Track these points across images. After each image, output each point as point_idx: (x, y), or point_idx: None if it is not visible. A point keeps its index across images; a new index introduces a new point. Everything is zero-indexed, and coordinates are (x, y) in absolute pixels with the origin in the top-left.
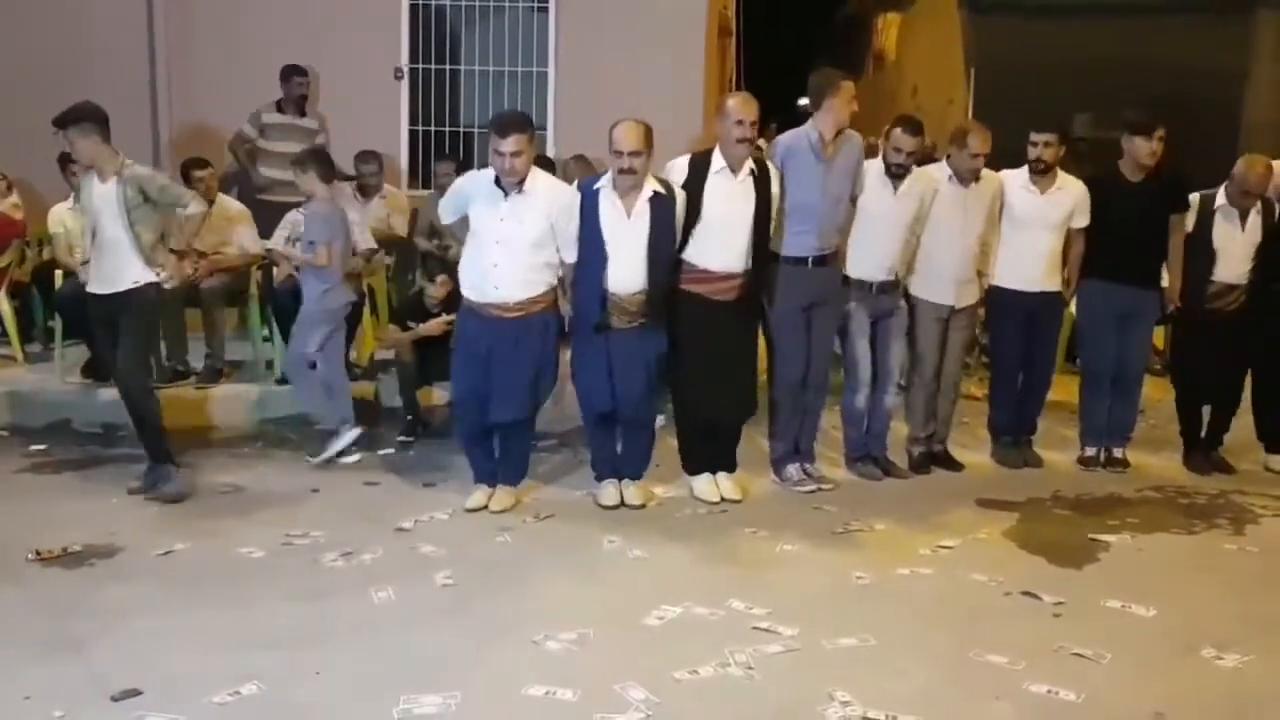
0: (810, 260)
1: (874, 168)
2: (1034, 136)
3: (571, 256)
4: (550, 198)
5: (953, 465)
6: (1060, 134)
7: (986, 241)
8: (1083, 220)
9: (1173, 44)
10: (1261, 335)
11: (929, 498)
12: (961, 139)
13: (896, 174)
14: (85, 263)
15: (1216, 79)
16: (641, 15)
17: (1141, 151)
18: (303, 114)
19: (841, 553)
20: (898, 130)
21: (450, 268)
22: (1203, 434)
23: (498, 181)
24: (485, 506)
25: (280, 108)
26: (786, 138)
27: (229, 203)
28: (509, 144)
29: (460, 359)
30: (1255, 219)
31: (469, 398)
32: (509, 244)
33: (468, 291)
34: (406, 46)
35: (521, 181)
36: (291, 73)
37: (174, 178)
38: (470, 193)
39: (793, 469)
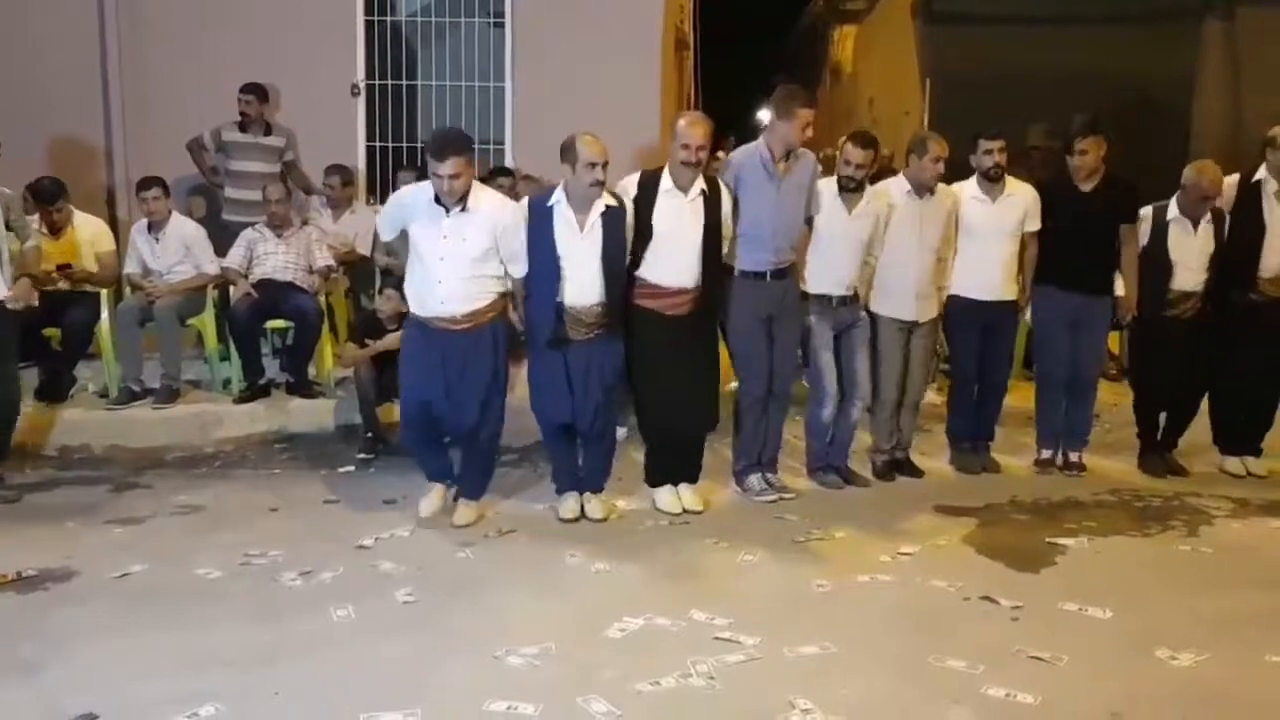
0: (769, 274)
1: (829, 187)
2: (984, 144)
3: (520, 271)
4: (494, 214)
5: (914, 472)
6: (1006, 140)
7: (944, 256)
8: (1035, 224)
9: (1123, 53)
10: (1217, 341)
11: (889, 505)
12: (921, 147)
13: (848, 187)
14: (52, 272)
15: (1166, 87)
16: (597, 30)
17: (1071, 166)
18: (267, 132)
19: (802, 561)
20: (848, 144)
21: (402, 283)
22: (1158, 437)
23: (438, 198)
24: (440, 509)
25: (243, 126)
26: (739, 155)
27: (184, 223)
28: (447, 167)
29: (409, 370)
30: (1207, 227)
31: (418, 411)
32: (453, 260)
33: (414, 307)
34: (363, 62)
35: (463, 199)
36: (241, 91)
37: (129, 200)
38: (410, 209)
39: (754, 479)
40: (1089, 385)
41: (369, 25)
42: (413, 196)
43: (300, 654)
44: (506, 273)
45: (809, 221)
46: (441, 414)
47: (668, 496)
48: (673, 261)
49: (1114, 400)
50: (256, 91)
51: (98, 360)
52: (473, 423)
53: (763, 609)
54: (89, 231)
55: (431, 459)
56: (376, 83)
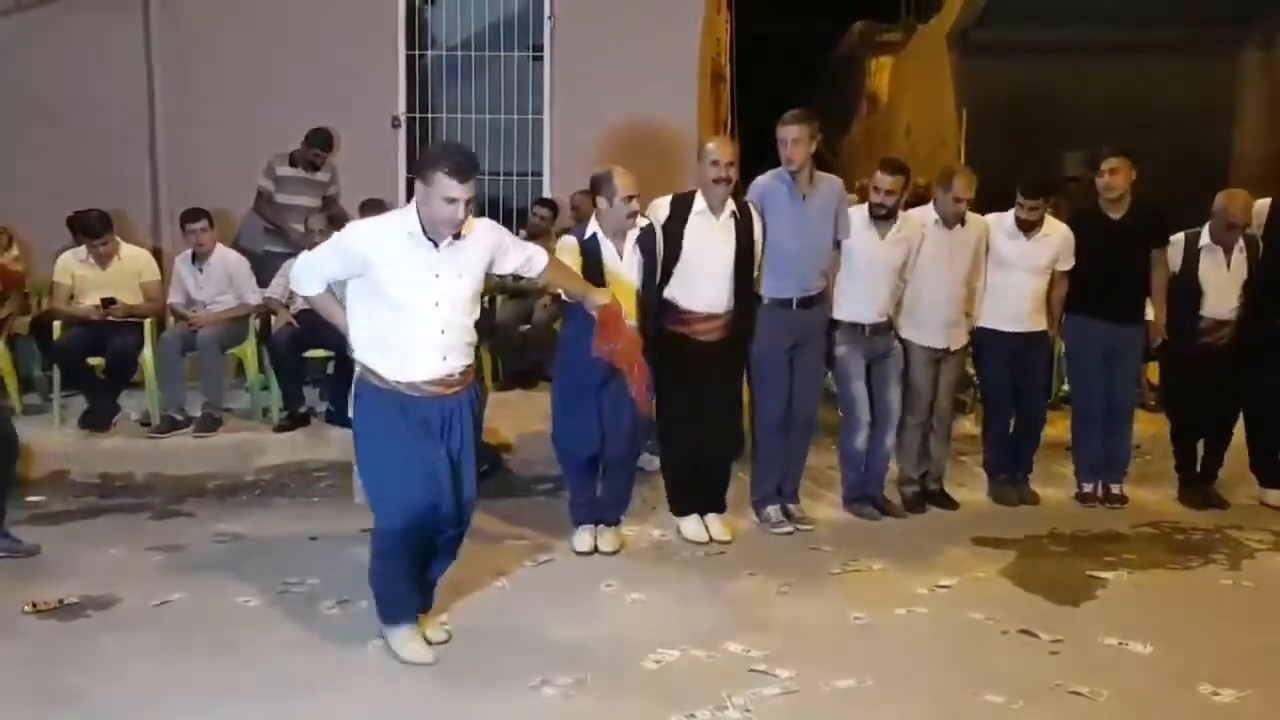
0: (795, 302)
1: (859, 213)
2: (1021, 200)
3: (539, 267)
4: (485, 232)
5: (949, 504)
6: (1046, 194)
7: (973, 284)
8: (1067, 263)
9: (1162, 82)
10: (1253, 370)
11: (926, 537)
12: (947, 182)
13: (878, 214)
14: (97, 306)
15: (1206, 115)
16: (634, 62)
17: (1100, 187)
18: (317, 167)
19: (839, 593)
20: (878, 171)
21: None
22: (1197, 468)
23: (424, 232)
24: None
25: (293, 161)
26: (763, 179)
27: (226, 253)
28: (468, 189)
29: (396, 473)
30: (1239, 255)
31: (420, 524)
32: (450, 303)
33: (393, 373)
34: (404, 96)
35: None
36: (314, 141)
37: (173, 230)
38: (377, 250)
39: (772, 510)
40: (1126, 415)
41: (410, 60)
42: (379, 234)
43: (337, 683)
44: (529, 273)
45: (836, 244)
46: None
47: (694, 526)
48: (704, 285)
49: (1154, 431)
50: (325, 145)
51: (140, 389)
52: (466, 503)
53: (798, 641)
54: (135, 262)
55: (412, 587)
56: (417, 115)
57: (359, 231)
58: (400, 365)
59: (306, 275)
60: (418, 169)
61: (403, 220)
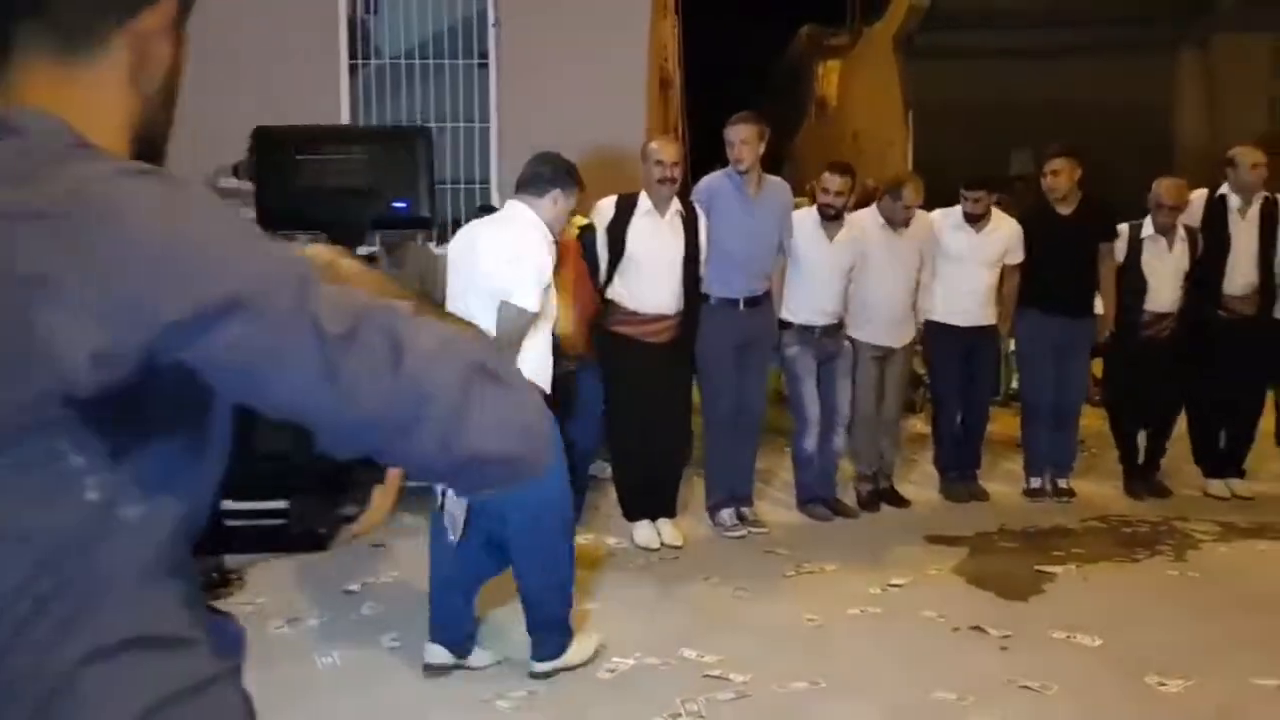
0: (742, 301)
1: (808, 216)
2: (964, 192)
3: None
4: None
5: (900, 502)
6: (989, 187)
7: (921, 280)
8: (1017, 257)
9: (1103, 82)
10: (1191, 360)
11: (879, 536)
12: (896, 190)
13: (827, 215)
14: None
15: (1146, 113)
16: (580, 69)
17: (1044, 188)
18: None
19: (793, 596)
20: (825, 172)
21: None
22: (1140, 460)
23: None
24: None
25: (237, 173)
26: (710, 177)
27: None
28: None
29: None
30: (1181, 245)
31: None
32: None
33: (544, 383)
34: (348, 106)
35: None
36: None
37: None
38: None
39: (726, 513)
40: (1074, 411)
41: (353, 69)
42: (549, 243)
43: (286, 702)
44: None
45: (782, 247)
46: None
47: (646, 531)
48: (651, 286)
49: (1098, 425)
50: None
51: None
52: None
53: (753, 645)
54: None
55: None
56: (361, 125)
57: (544, 238)
58: (545, 375)
59: (536, 288)
60: (555, 181)
61: (544, 231)
